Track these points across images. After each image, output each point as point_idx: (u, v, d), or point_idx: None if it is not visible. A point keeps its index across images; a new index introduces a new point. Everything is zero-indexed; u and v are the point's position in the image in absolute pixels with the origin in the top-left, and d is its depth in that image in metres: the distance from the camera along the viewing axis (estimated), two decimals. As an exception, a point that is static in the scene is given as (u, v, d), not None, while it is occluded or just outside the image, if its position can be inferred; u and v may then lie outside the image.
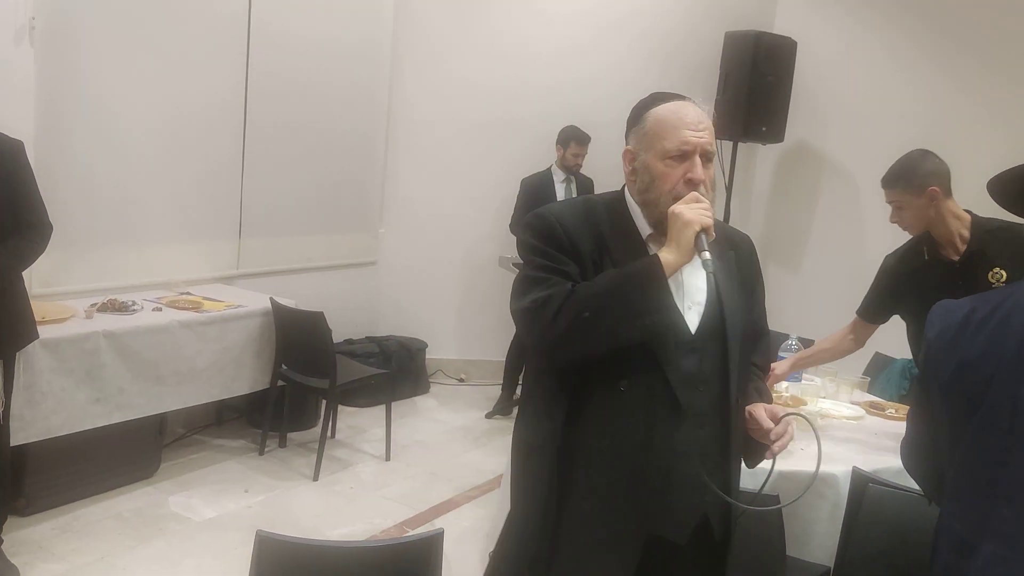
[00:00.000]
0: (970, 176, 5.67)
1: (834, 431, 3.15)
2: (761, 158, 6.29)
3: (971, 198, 5.87)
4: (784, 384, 3.49)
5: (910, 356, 5.56)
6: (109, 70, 4.34)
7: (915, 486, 2.78)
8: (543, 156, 5.70)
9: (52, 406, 3.66)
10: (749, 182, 6.31)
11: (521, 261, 1.91)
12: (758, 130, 5.75)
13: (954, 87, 5.75)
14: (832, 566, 2.68)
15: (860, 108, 6.05)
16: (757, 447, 1.97)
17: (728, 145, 5.97)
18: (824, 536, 2.71)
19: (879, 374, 5.18)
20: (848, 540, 2.56)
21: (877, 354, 5.07)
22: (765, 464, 2.05)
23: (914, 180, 3.13)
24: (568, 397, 1.83)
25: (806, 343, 3.93)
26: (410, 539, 2.06)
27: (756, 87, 5.67)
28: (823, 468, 2.74)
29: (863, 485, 2.53)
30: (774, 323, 5.14)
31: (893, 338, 5.68)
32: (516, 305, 1.84)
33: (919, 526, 2.43)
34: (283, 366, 4.63)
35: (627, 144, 1.93)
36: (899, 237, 6.01)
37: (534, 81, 6.08)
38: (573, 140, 5.55)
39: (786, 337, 3.75)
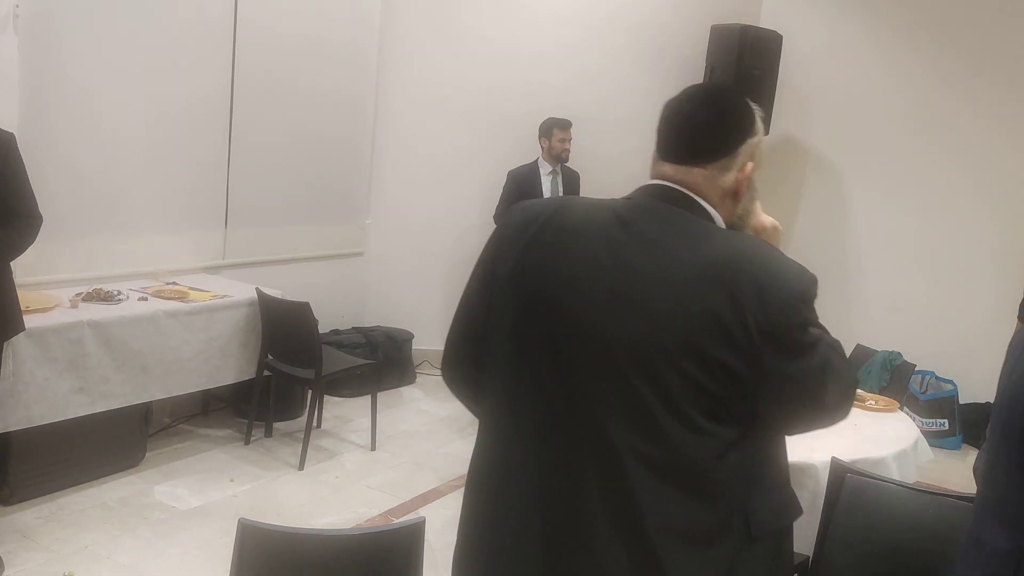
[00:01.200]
0: (955, 169, 5.74)
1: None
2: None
3: (954, 191, 5.94)
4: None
5: (891, 348, 5.64)
6: (94, 58, 4.33)
7: (892, 476, 2.83)
8: (530, 148, 5.71)
9: (34, 395, 3.65)
10: (735, 175, 6.35)
11: None
12: (744, 123, 5.76)
13: (939, 81, 5.79)
14: (811, 555, 2.72)
15: (845, 101, 6.08)
16: None
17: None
18: (803, 526, 2.73)
19: (861, 366, 5.23)
20: (827, 529, 2.59)
21: (859, 346, 5.10)
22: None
23: None
24: None
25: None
26: (392, 528, 2.07)
27: (742, 80, 5.69)
28: (802, 459, 2.79)
29: (842, 475, 2.56)
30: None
31: (875, 330, 5.76)
32: (848, 383, 1.55)
33: (896, 515, 2.47)
34: (269, 356, 4.64)
35: (749, 158, 1.53)
36: (884, 231, 6.08)
37: (521, 75, 6.09)
38: (556, 127, 5.55)
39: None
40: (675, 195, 1.49)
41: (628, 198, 1.54)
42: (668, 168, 1.51)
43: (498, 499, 1.50)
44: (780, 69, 5.86)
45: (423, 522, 2.04)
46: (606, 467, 1.39)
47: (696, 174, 1.49)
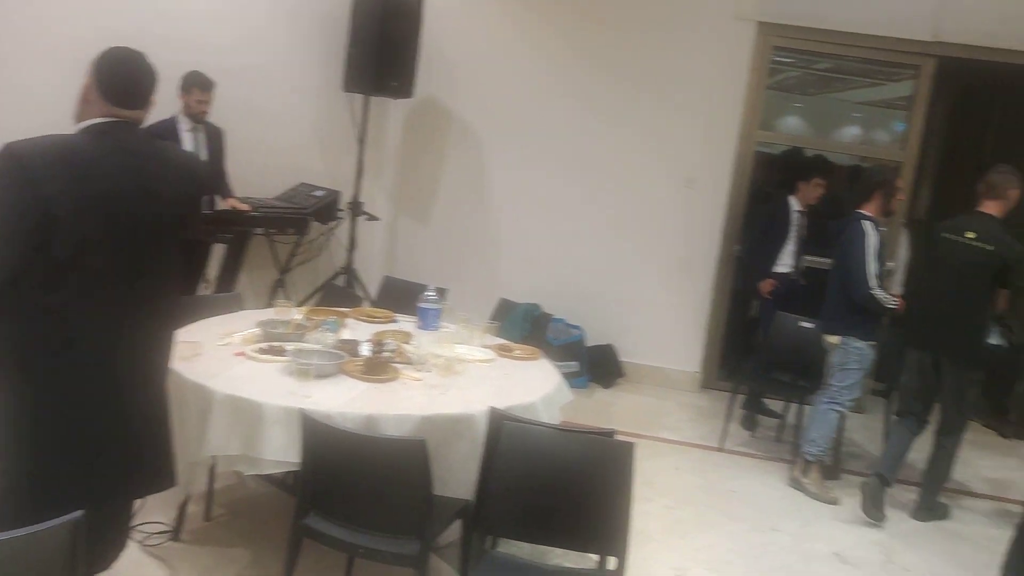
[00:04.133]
0: (581, 132, 6.29)
1: (471, 374, 3.36)
2: (392, 112, 6.42)
3: (579, 154, 6.49)
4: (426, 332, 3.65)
5: (531, 301, 6.12)
6: None
7: (541, 419, 3.08)
8: (165, 104, 5.33)
9: None
10: (382, 136, 6.42)
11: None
12: (389, 85, 5.84)
13: (565, 47, 6.27)
14: (473, 499, 2.90)
15: (483, 66, 6.39)
16: None
17: (360, 98, 6.02)
18: (464, 472, 2.91)
19: (505, 318, 5.61)
20: (487, 474, 2.78)
21: (502, 300, 5.47)
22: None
23: None
24: None
25: (443, 293, 4.13)
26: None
27: (385, 42, 5.75)
28: (462, 410, 2.95)
29: (499, 422, 2.76)
30: (412, 274, 5.31)
31: (516, 285, 6.19)
32: None
33: (547, 455, 2.71)
34: None
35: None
36: (521, 191, 6.49)
37: (154, 27, 5.61)
38: (196, 86, 5.25)
39: (424, 288, 3.91)
40: (133, 126, 2.32)
41: (104, 132, 2.25)
42: (124, 111, 2.27)
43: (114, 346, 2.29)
44: (423, 32, 6.00)
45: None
46: (156, 290, 2.39)
47: (140, 113, 2.34)
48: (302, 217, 5.86)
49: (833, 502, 4.59)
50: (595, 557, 2.84)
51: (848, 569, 3.92)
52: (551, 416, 3.23)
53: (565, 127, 6.33)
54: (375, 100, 6.09)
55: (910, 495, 4.66)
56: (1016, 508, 4.66)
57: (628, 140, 6.27)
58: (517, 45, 6.33)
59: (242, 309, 4.00)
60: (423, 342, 3.58)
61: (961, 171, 7.88)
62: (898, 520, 4.47)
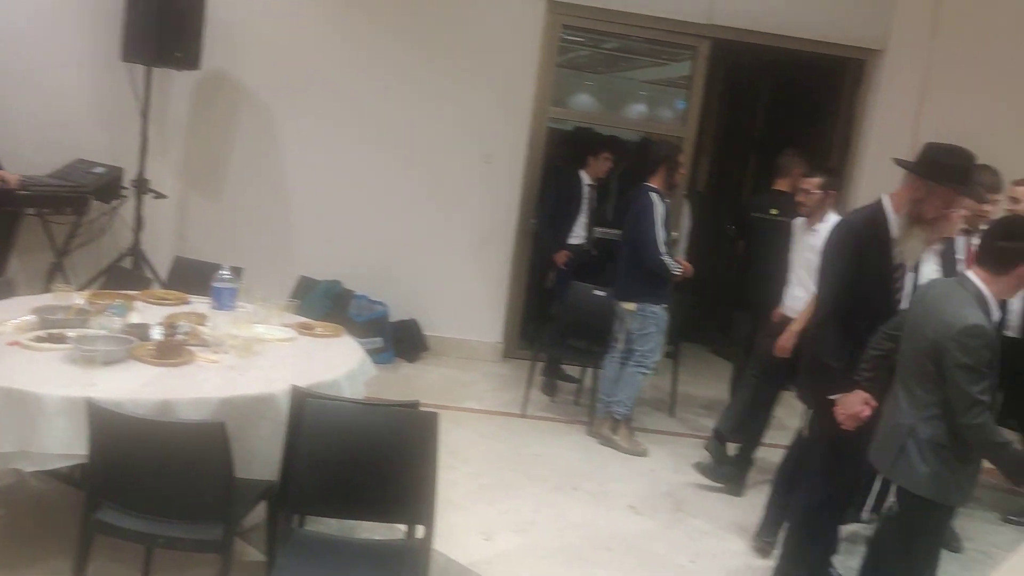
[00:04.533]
0: (388, 105, 6.23)
1: (271, 354, 3.30)
2: (178, 85, 6.09)
3: (379, 123, 6.43)
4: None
5: (331, 278, 6.03)
6: None
7: (344, 395, 3.08)
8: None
9: None
10: (167, 109, 6.08)
11: None
12: (172, 55, 5.54)
13: (359, 20, 6.18)
14: (278, 479, 2.85)
15: (274, 37, 6.19)
16: None
17: (141, 69, 5.68)
18: (268, 453, 2.86)
19: (305, 296, 5.52)
20: (292, 453, 2.75)
21: (302, 277, 5.37)
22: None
23: None
24: None
25: (238, 272, 4.00)
26: None
27: (167, 9, 5.44)
28: (263, 390, 2.89)
29: (302, 400, 2.73)
30: (204, 254, 5.10)
31: (316, 262, 6.10)
32: None
33: (352, 429, 2.72)
34: None
35: None
36: (317, 164, 6.35)
37: None
38: None
39: (218, 267, 3.78)
40: None
41: None
42: None
43: None
44: (209, 2, 5.72)
45: None
46: None
47: None
48: (80, 196, 5.49)
49: (643, 454, 4.92)
50: (403, 528, 2.88)
51: (642, 519, 4.18)
52: (355, 392, 3.23)
53: (361, 101, 6.26)
54: (158, 71, 5.76)
55: (699, 449, 5.03)
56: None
57: (426, 115, 6.29)
58: (310, 17, 6.19)
59: (14, 296, 3.71)
60: (219, 323, 3.47)
61: (735, 147, 8.51)
62: (686, 472, 4.80)
